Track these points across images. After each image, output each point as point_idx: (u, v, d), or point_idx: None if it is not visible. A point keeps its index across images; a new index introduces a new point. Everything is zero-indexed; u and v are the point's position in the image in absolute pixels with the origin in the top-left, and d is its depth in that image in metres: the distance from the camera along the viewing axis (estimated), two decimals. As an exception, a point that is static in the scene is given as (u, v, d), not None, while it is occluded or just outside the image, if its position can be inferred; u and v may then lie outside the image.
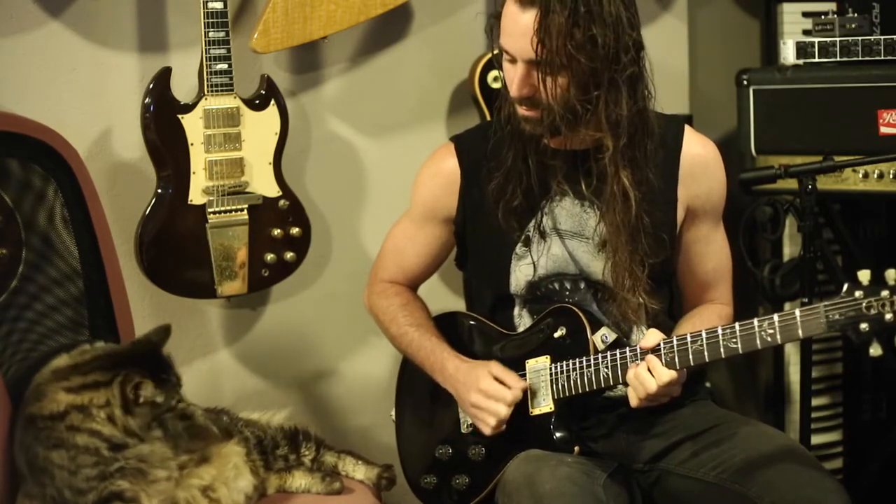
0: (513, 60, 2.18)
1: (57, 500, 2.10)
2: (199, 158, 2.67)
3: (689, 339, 2.11)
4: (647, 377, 2.13)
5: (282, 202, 2.77)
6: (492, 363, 2.30)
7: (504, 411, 2.24)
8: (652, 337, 2.17)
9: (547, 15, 2.09)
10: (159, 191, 2.68)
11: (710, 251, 2.40)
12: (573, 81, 2.13)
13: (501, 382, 2.26)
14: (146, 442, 2.15)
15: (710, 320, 2.32)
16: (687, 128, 2.35)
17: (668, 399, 2.21)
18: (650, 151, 2.23)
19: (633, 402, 2.17)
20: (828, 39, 2.85)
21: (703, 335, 2.10)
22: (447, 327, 2.44)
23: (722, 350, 2.08)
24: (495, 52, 2.30)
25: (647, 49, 2.20)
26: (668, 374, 2.12)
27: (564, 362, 2.25)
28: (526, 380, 2.28)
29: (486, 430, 2.28)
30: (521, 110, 2.22)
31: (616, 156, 2.19)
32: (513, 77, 2.19)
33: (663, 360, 2.13)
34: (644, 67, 2.19)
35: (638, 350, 2.17)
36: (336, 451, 2.50)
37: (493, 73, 2.92)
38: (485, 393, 2.26)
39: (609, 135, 2.18)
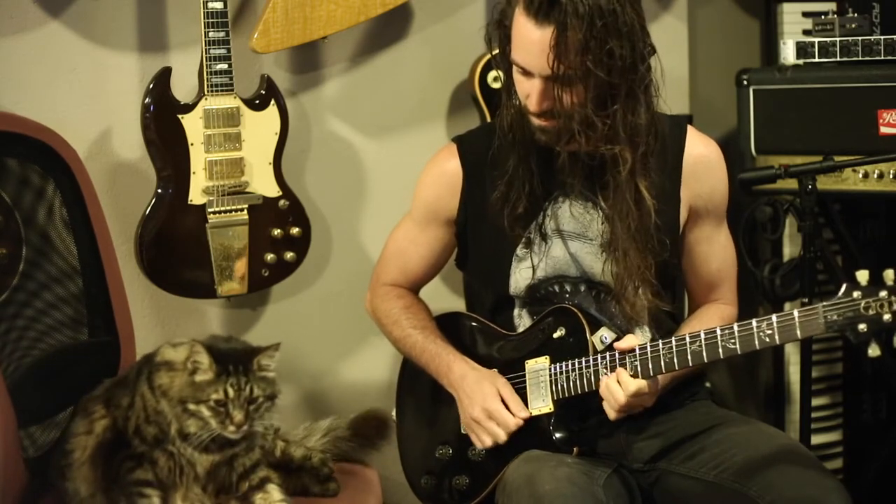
0: (527, 74, 2.16)
1: (119, 424, 2.15)
2: (199, 158, 2.67)
3: (687, 339, 2.11)
4: (616, 388, 2.15)
5: (282, 202, 2.77)
6: (501, 381, 2.29)
7: (503, 437, 2.24)
8: (629, 340, 2.18)
9: (564, 31, 2.07)
10: (159, 191, 2.68)
11: (714, 251, 2.39)
12: (591, 94, 2.12)
13: (506, 405, 2.26)
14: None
15: (710, 322, 2.31)
16: (690, 128, 2.35)
17: (640, 409, 2.22)
18: (658, 153, 2.23)
19: (610, 414, 2.19)
20: (828, 39, 2.85)
21: (702, 336, 2.10)
22: (447, 328, 2.43)
23: (720, 351, 2.07)
24: (495, 52, 2.29)
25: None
26: (635, 385, 2.13)
27: (564, 363, 2.25)
28: (526, 381, 2.28)
29: (479, 446, 2.29)
30: (538, 121, 2.20)
31: (635, 165, 2.18)
32: (528, 90, 2.17)
33: (663, 362, 2.13)
34: (654, 71, 2.19)
35: (629, 354, 2.17)
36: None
37: (493, 73, 2.92)
38: (488, 413, 2.25)
39: (627, 147, 2.17)
